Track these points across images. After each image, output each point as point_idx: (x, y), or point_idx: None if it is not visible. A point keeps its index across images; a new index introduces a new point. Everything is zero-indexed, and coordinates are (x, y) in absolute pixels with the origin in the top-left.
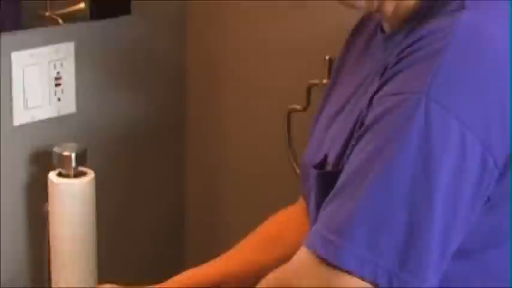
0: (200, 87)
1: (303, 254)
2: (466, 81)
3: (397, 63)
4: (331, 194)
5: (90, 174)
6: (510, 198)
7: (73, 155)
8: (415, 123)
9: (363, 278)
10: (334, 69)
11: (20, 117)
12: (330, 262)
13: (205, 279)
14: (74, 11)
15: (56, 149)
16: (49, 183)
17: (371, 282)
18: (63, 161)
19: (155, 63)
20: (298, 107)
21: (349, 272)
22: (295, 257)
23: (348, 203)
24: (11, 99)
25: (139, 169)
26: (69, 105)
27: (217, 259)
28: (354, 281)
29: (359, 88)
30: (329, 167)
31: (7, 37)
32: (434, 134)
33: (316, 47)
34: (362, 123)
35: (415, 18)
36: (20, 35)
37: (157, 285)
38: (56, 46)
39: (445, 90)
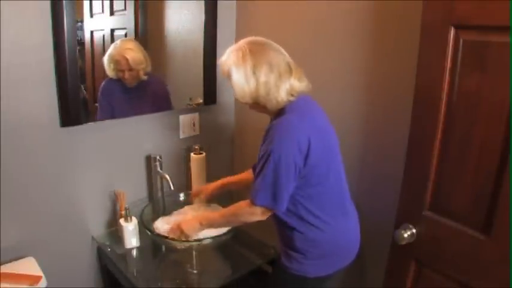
0: None
1: (245, 201)
2: (281, 141)
3: (264, 137)
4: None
5: None
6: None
7: None
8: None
9: (271, 208)
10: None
11: None
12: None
13: (222, 182)
14: None
15: None
16: None
17: (272, 209)
18: None
19: None
20: None
21: (267, 207)
22: (243, 202)
23: (264, 182)
24: None
25: None
26: None
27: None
28: (261, 211)
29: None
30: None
31: None
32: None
33: None
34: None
35: (274, 116)
36: None
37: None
38: None
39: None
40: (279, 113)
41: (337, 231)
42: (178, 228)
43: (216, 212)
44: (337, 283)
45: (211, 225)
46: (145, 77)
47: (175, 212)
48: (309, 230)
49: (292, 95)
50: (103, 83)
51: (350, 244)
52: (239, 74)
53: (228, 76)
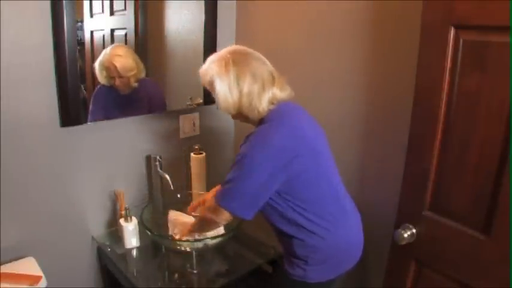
0: None
1: (213, 202)
2: (255, 148)
3: (244, 141)
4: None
5: None
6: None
7: None
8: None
9: (231, 212)
10: None
11: None
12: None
13: None
14: None
15: None
16: None
17: (233, 214)
18: None
19: None
20: None
21: (227, 210)
22: (211, 202)
23: (229, 185)
24: None
25: None
26: None
27: None
28: (228, 214)
29: None
30: None
31: None
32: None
33: None
34: None
35: (257, 125)
36: None
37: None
38: None
39: (249, 152)
40: (261, 122)
41: (338, 236)
42: (182, 234)
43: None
44: (340, 286)
45: (200, 229)
46: (135, 84)
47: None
48: (309, 237)
49: (272, 103)
50: (95, 90)
51: (352, 247)
52: (223, 84)
53: (210, 86)
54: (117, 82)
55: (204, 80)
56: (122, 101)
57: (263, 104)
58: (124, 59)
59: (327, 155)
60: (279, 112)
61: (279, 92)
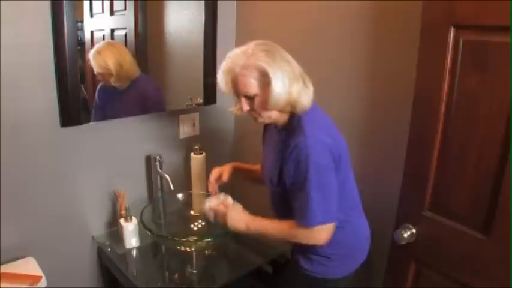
0: None
1: (296, 226)
2: (315, 153)
3: (289, 155)
4: (293, 196)
5: None
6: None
7: None
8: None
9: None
10: (264, 133)
11: None
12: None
13: (234, 165)
14: None
15: None
16: None
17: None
18: None
19: None
20: None
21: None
22: (295, 225)
23: (303, 200)
24: None
25: None
26: None
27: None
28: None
29: (275, 147)
30: (274, 184)
31: None
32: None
33: None
34: (282, 162)
35: (287, 125)
36: None
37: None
38: None
39: (312, 159)
40: (292, 124)
41: (357, 226)
42: (223, 218)
43: (266, 220)
44: (353, 280)
45: (260, 232)
46: (119, 84)
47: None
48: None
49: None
50: (98, 86)
51: (367, 240)
52: (277, 76)
53: (262, 78)
54: (98, 77)
55: (242, 73)
56: (117, 98)
57: (311, 95)
58: (99, 56)
59: (348, 157)
60: (312, 114)
61: (311, 84)
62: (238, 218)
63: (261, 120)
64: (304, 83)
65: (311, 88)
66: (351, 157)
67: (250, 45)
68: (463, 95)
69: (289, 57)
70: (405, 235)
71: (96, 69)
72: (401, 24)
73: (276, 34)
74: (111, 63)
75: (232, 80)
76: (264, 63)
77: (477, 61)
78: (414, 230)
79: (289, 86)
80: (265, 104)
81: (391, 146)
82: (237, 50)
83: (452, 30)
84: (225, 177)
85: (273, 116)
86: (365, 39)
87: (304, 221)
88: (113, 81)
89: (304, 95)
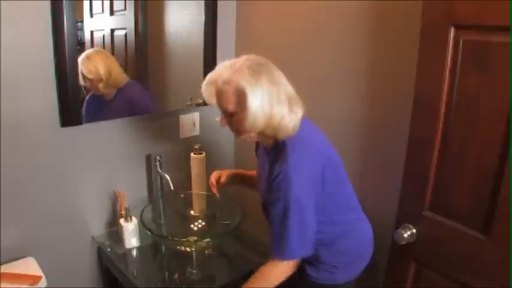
0: None
1: (270, 261)
2: (296, 183)
3: (272, 182)
4: (272, 222)
5: None
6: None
7: None
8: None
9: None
10: (256, 147)
11: None
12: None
13: (235, 172)
14: None
15: None
16: None
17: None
18: None
19: None
20: None
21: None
22: (268, 264)
23: (282, 232)
24: None
25: None
26: None
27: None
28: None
29: (265, 165)
30: (266, 205)
31: None
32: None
33: None
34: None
35: (273, 147)
36: None
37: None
38: None
39: (293, 191)
40: (278, 147)
41: (360, 232)
42: None
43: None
44: (359, 281)
45: None
46: (107, 91)
47: None
48: (333, 242)
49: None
50: (86, 97)
51: (371, 242)
52: (256, 97)
53: (237, 98)
54: (87, 84)
55: (223, 88)
56: (105, 108)
57: (295, 122)
58: (89, 62)
59: (342, 168)
60: (300, 131)
61: (301, 109)
62: None
63: (241, 138)
64: (291, 108)
65: (299, 113)
66: (351, 157)
67: (241, 60)
68: (463, 95)
69: (280, 78)
70: (405, 235)
71: (86, 75)
72: (401, 24)
73: (276, 34)
74: (101, 69)
75: (216, 92)
76: (245, 82)
77: (477, 61)
78: (414, 230)
79: (270, 109)
80: (242, 124)
81: (391, 146)
82: (227, 63)
83: (452, 30)
84: (223, 179)
85: (253, 136)
86: (365, 39)
87: (281, 256)
88: (101, 87)
89: (288, 121)
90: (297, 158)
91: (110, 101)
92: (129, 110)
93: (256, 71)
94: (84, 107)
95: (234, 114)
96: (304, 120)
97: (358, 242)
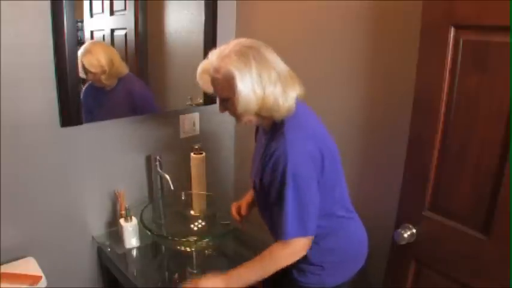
0: None
1: (275, 245)
2: (292, 158)
3: (267, 163)
4: (271, 209)
5: None
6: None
7: None
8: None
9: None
10: (256, 132)
11: None
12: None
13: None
14: None
15: None
16: None
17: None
18: None
19: None
20: None
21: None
22: (274, 244)
23: (280, 211)
24: None
25: None
26: None
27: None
28: (295, 242)
29: (260, 150)
30: (257, 188)
31: None
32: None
33: None
34: (262, 168)
35: (271, 128)
36: None
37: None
38: None
39: (289, 166)
40: (275, 128)
41: (351, 232)
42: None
43: (240, 267)
44: (352, 286)
45: (242, 282)
46: (109, 82)
47: None
48: (323, 239)
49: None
50: (84, 87)
51: (362, 244)
52: (245, 81)
53: (226, 83)
54: (89, 77)
55: (214, 76)
56: (104, 98)
57: (290, 102)
58: (91, 56)
59: (338, 157)
60: (297, 113)
61: (298, 88)
62: (213, 280)
63: (242, 123)
64: (284, 88)
65: (292, 95)
66: (351, 157)
67: (230, 45)
68: (463, 95)
69: (272, 59)
70: (405, 235)
71: (89, 69)
72: (401, 24)
73: (276, 34)
74: (103, 60)
75: (211, 80)
76: (233, 67)
77: (477, 61)
78: (414, 230)
79: (261, 90)
80: (237, 108)
81: (391, 146)
82: (217, 50)
83: (452, 30)
84: (244, 211)
85: (252, 119)
86: (365, 39)
87: (281, 235)
88: (104, 79)
89: (282, 100)
90: (294, 136)
91: (110, 91)
92: (129, 101)
93: (243, 54)
94: (82, 98)
95: (229, 100)
96: (306, 107)
97: (349, 241)
